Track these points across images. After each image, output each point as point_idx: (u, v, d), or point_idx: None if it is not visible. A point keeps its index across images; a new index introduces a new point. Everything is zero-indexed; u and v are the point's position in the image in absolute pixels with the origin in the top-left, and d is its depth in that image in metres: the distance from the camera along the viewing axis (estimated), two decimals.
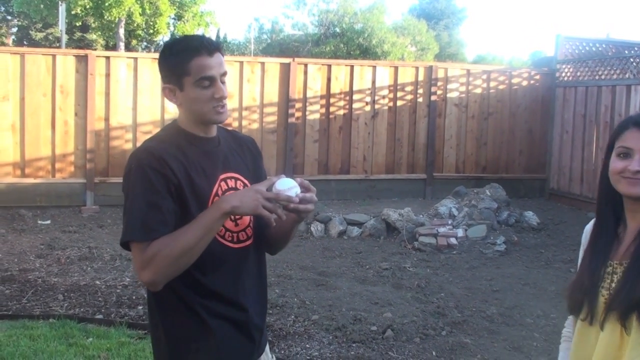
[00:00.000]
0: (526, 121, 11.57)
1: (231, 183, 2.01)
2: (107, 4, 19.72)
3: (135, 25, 22.28)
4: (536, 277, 6.80)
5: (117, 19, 21.17)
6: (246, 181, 2.05)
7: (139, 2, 20.78)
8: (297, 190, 1.89)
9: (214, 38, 31.90)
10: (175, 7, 22.76)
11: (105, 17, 20.64)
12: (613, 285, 1.76)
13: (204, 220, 1.84)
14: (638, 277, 1.69)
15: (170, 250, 1.80)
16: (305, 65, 10.62)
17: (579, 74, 11.01)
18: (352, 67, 10.83)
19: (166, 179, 1.86)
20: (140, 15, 21.07)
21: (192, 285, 1.92)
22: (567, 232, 8.77)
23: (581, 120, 10.70)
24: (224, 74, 1.97)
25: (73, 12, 20.43)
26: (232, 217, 1.97)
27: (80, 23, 23.26)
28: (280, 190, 1.87)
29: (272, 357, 2.23)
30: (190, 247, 1.81)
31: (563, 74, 11.36)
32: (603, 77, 10.39)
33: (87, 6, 20.11)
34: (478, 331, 5.15)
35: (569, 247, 8.01)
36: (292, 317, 5.30)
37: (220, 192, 1.96)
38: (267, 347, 2.20)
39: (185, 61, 1.91)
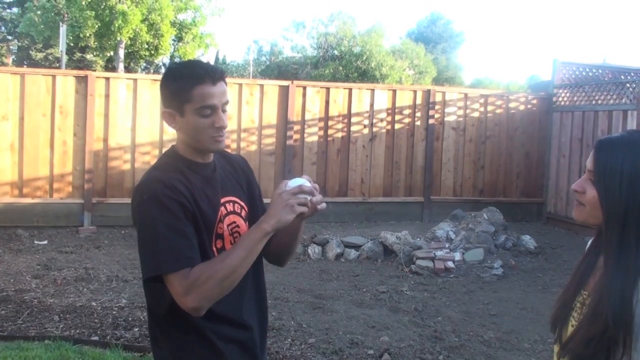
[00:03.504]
0: (523, 145, 11.62)
1: (230, 207, 2.02)
2: (117, 25, 19.88)
3: (138, 45, 22.40)
4: (533, 301, 6.79)
5: (117, 40, 21.32)
6: (242, 203, 2.07)
7: (144, 22, 20.95)
8: (308, 184, 1.91)
9: (213, 60, 31.96)
10: (175, 29, 22.92)
11: (117, 37, 20.80)
12: (580, 318, 1.66)
13: (246, 242, 1.85)
14: (589, 326, 1.58)
15: (215, 274, 1.79)
16: (304, 87, 10.68)
17: (575, 98, 11.09)
18: (350, 90, 10.89)
19: (182, 206, 1.85)
20: (147, 33, 21.22)
21: None
22: (564, 256, 8.76)
23: (578, 145, 10.75)
24: (226, 103, 1.96)
25: (81, 35, 20.59)
26: (232, 239, 1.99)
27: (84, 44, 23.40)
28: (294, 186, 1.89)
29: None
30: (234, 270, 1.81)
31: (560, 99, 11.44)
32: (600, 102, 10.46)
33: (96, 26, 20.27)
34: (475, 356, 5.12)
35: (567, 271, 8.00)
36: (289, 340, 5.27)
37: (222, 217, 1.98)
38: None
39: (188, 88, 1.90)
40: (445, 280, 7.51)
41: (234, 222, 2.02)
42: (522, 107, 11.66)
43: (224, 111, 1.95)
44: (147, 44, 22.28)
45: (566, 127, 11.09)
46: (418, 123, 11.06)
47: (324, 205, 1.94)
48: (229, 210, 2.01)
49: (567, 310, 1.72)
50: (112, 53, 23.09)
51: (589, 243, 1.81)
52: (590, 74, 11.76)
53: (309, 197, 1.89)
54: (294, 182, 1.90)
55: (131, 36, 21.10)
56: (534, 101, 11.73)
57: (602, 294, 1.57)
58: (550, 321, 1.79)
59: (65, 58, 20.73)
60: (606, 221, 1.61)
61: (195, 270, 1.80)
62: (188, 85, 1.90)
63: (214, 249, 1.95)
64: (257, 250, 1.87)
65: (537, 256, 8.71)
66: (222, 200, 2.01)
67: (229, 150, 2.27)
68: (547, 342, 5.47)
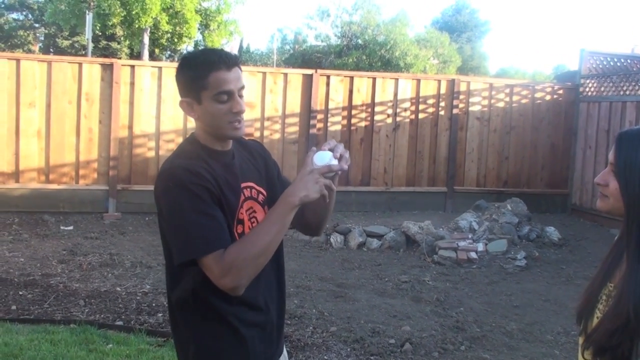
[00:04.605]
0: (549, 136, 11.50)
1: (247, 192, 2.04)
2: (134, 12, 20.02)
3: (159, 34, 22.54)
4: (557, 293, 6.74)
5: (143, 28, 21.46)
6: (260, 188, 2.09)
7: (165, 12, 21.07)
8: (334, 159, 1.92)
9: (237, 48, 32.14)
10: (200, 16, 22.98)
11: (135, 25, 20.94)
12: (605, 309, 1.65)
13: (275, 217, 1.87)
14: (612, 318, 1.57)
15: (249, 252, 1.81)
16: (328, 76, 10.66)
17: (602, 89, 10.93)
18: (374, 79, 10.85)
19: (210, 192, 1.87)
20: (167, 23, 21.33)
21: (222, 294, 1.91)
22: (588, 249, 8.68)
23: (604, 136, 10.60)
24: (242, 88, 1.97)
25: (108, 24, 20.79)
26: (250, 225, 2.01)
27: (111, 31, 23.62)
28: (322, 165, 1.90)
29: None
30: (267, 246, 1.84)
31: (587, 89, 11.28)
32: (628, 92, 10.30)
33: (122, 15, 20.45)
34: (497, 347, 5.11)
35: (591, 263, 7.93)
36: (311, 328, 5.30)
37: (241, 203, 2.00)
38: (285, 350, 2.23)
39: (204, 75, 1.91)
40: (468, 271, 7.48)
41: (251, 207, 2.04)
42: (548, 98, 11.52)
43: (240, 96, 1.96)
44: (169, 32, 22.38)
45: (593, 118, 10.94)
46: (442, 113, 10.99)
47: (346, 165, 1.95)
48: (247, 195, 2.03)
49: (593, 302, 1.72)
50: (138, 40, 23.23)
51: (618, 235, 1.80)
52: (619, 64, 11.58)
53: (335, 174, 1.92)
54: (320, 159, 1.90)
55: (151, 25, 21.22)
56: (560, 91, 11.58)
57: (624, 286, 1.57)
58: (576, 313, 1.78)
59: (91, 46, 20.92)
60: (627, 213, 1.60)
61: (229, 251, 1.82)
62: (204, 72, 1.91)
63: (236, 234, 1.96)
64: (287, 223, 1.89)
65: (561, 248, 8.63)
66: (242, 186, 2.03)
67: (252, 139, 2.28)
68: (570, 334, 5.43)
